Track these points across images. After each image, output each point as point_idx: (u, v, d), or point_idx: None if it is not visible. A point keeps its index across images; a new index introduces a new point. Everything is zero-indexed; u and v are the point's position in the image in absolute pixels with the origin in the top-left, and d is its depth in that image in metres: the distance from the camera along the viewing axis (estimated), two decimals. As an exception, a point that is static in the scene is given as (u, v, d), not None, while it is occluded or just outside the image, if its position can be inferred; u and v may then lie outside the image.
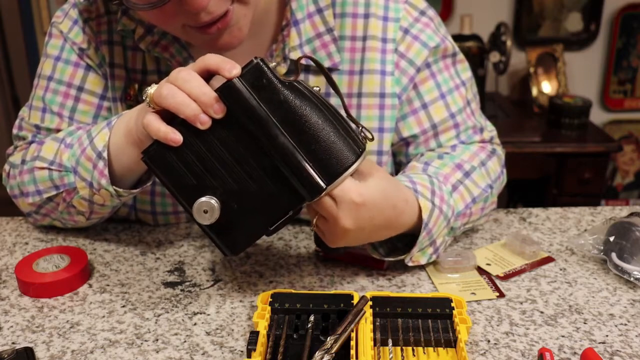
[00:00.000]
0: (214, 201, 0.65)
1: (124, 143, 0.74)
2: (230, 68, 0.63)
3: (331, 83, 0.71)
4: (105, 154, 0.74)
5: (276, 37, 0.85)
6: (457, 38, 1.98)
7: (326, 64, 0.85)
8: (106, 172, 0.75)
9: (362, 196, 0.67)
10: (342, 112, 0.68)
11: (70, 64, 0.88)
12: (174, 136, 0.64)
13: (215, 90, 0.63)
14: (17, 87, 3.61)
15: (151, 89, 0.66)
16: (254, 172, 0.65)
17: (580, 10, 2.27)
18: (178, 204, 0.68)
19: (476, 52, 2.04)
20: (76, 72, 0.88)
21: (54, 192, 0.82)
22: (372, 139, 0.69)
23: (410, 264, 0.79)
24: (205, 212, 0.64)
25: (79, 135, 0.81)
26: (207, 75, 0.66)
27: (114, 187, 0.76)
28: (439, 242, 0.79)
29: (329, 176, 0.64)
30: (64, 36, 0.88)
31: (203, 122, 0.63)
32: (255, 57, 0.64)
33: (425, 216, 0.75)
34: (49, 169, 0.82)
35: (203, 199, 0.65)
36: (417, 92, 0.88)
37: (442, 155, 0.88)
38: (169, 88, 0.64)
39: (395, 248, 0.80)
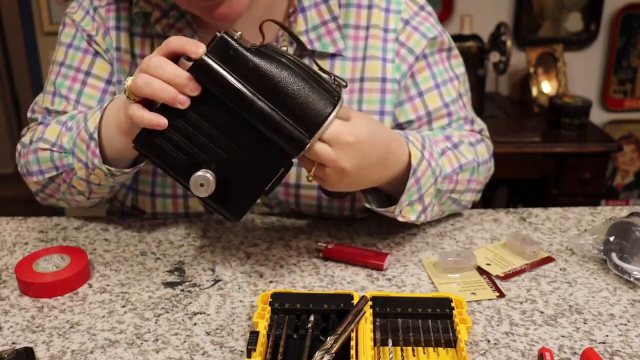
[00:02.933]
0: (208, 174, 0.68)
1: (115, 133, 0.77)
2: (195, 49, 0.66)
3: (295, 39, 0.77)
4: (95, 135, 0.78)
5: (284, 22, 0.89)
6: (457, 38, 1.98)
7: (331, 49, 0.89)
8: (97, 151, 0.79)
9: (353, 135, 0.70)
10: (315, 68, 0.71)
11: (80, 50, 0.93)
12: (159, 121, 0.67)
13: (188, 70, 0.66)
14: (17, 87, 3.61)
15: (128, 82, 0.70)
16: (240, 140, 0.68)
17: (580, 10, 2.27)
18: (177, 184, 0.72)
19: (476, 52, 2.04)
20: (85, 58, 0.93)
21: (54, 173, 0.87)
22: (346, 86, 0.72)
23: (400, 218, 0.81)
24: (202, 185, 0.68)
25: (77, 119, 0.85)
26: (175, 58, 0.69)
27: (107, 166, 0.80)
28: (427, 200, 0.83)
29: (309, 129, 0.67)
30: (76, 25, 0.94)
31: (182, 102, 0.67)
32: (219, 31, 0.66)
33: (414, 162, 0.78)
34: (51, 150, 0.86)
35: (198, 173, 0.68)
36: (414, 81, 0.92)
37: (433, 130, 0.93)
38: (143, 78, 0.67)
39: (385, 204, 0.84)
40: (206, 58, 0.65)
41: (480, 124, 0.99)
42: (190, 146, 0.68)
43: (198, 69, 0.66)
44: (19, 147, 0.95)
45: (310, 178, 0.72)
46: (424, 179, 0.81)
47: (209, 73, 0.65)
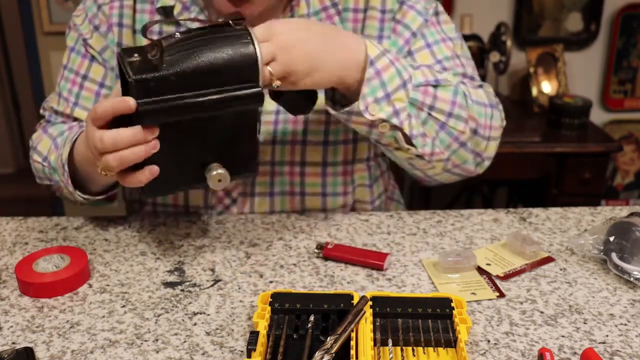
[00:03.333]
0: (218, 170, 0.73)
1: (87, 165, 0.83)
2: (126, 105, 0.68)
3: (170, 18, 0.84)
4: (66, 167, 0.86)
5: (286, 7, 0.94)
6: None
7: None
8: (69, 181, 0.87)
9: (284, 21, 0.76)
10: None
11: (79, 54, 0.98)
12: (153, 170, 0.72)
13: (136, 124, 0.69)
14: (17, 87, 3.61)
15: (99, 165, 0.73)
16: (217, 128, 0.73)
17: (581, 10, 2.27)
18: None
19: (476, 52, 2.04)
20: (83, 62, 0.98)
21: (48, 183, 0.96)
22: (244, 19, 0.74)
23: (368, 115, 0.81)
24: (220, 180, 0.73)
25: (63, 138, 0.92)
26: (113, 119, 0.72)
27: (79, 193, 0.88)
28: (398, 105, 0.82)
29: (253, 77, 0.71)
30: (77, 29, 0.98)
31: (154, 148, 0.70)
32: (129, 77, 0.68)
33: (371, 53, 0.80)
34: (42, 164, 0.94)
35: (212, 173, 0.73)
36: (411, 55, 0.95)
37: None
38: (112, 158, 0.70)
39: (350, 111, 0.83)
40: (140, 106, 0.68)
41: (482, 82, 0.98)
42: (183, 163, 0.73)
43: (143, 118, 0.69)
44: (30, 142, 1.01)
45: (276, 85, 0.75)
46: (387, 75, 0.81)
47: (152, 114, 0.69)
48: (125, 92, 0.71)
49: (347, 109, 0.81)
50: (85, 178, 0.88)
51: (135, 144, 0.69)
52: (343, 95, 0.84)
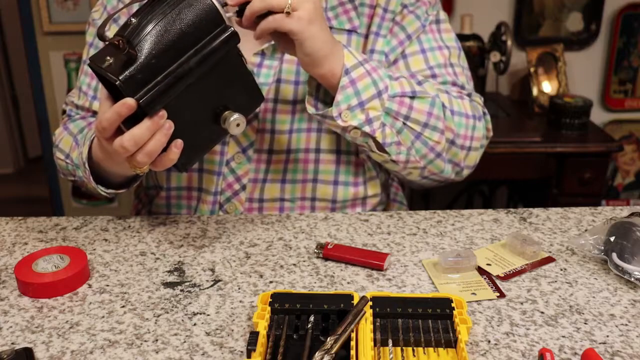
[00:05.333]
0: (234, 116, 0.76)
1: (106, 160, 0.84)
2: (127, 107, 0.70)
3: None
4: (87, 164, 0.87)
5: None
6: (458, 38, 1.98)
7: (347, 26, 0.96)
8: (91, 178, 0.87)
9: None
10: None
11: (97, 49, 1.00)
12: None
13: (144, 117, 0.71)
14: (16, 87, 3.61)
15: (130, 166, 0.76)
16: (212, 81, 0.75)
17: (581, 10, 2.27)
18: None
19: (476, 51, 2.04)
20: None
21: (72, 178, 0.98)
22: None
23: (340, 122, 0.85)
24: (238, 125, 0.77)
25: (83, 135, 0.92)
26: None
27: (102, 188, 0.89)
28: (372, 114, 0.86)
29: (219, 23, 0.73)
30: (95, 24, 1.01)
31: (171, 127, 0.72)
32: (115, 81, 0.69)
33: (347, 62, 0.84)
34: (65, 161, 0.97)
35: (230, 119, 0.76)
36: (405, 59, 0.98)
37: None
38: (140, 157, 0.72)
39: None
40: (140, 101, 0.70)
41: (472, 92, 1.00)
42: (198, 124, 0.76)
43: (146, 109, 0.70)
44: (53, 138, 1.05)
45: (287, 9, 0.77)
46: (361, 84, 0.84)
47: (152, 102, 0.71)
48: (116, 94, 0.72)
49: (320, 112, 0.86)
50: (106, 173, 0.89)
51: (152, 133, 0.71)
52: (326, 92, 0.88)
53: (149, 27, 0.70)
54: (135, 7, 0.75)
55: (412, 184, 1.04)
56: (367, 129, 0.87)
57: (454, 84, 0.97)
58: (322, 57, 0.82)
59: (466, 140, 0.95)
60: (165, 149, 0.73)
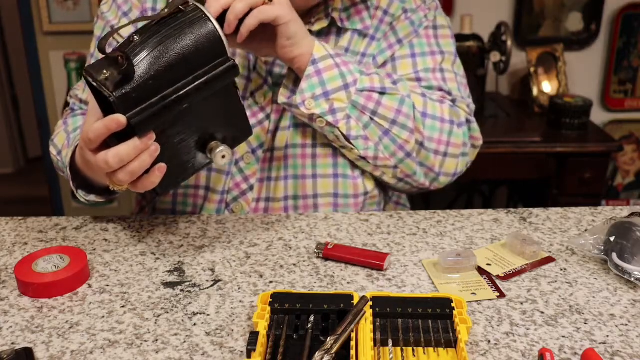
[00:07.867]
0: (220, 148, 0.75)
1: (94, 177, 0.84)
2: (117, 123, 0.69)
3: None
4: (68, 170, 0.88)
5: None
6: (458, 38, 1.96)
7: (359, 26, 0.97)
8: (72, 183, 0.88)
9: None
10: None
11: None
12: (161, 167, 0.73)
13: (133, 137, 0.70)
14: (16, 87, 3.61)
15: (110, 183, 0.75)
16: (205, 109, 0.74)
17: (581, 10, 2.27)
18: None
19: (476, 51, 2.04)
20: (108, 49, 1.00)
21: (62, 174, 0.97)
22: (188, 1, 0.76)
23: (304, 109, 0.88)
24: (224, 157, 0.76)
25: (75, 136, 0.92)
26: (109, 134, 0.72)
27: (82, 194, 0.89)
28: (337, 105, 0.88)
29: (220, 53, 0.73)
30: (103, 17, 1.00)
31: (157, 150, 0.72)
32: (109, 95, 0.68)
33: (316, 53, 0.86)
34: (57, 158, 0.98)
35: (215, 151, 0.75)
36: (393, 62, 0.98)
37: None
38: (122, 175, 0.72)
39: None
40: (131, 120, 0.69)
41: (461, 99, 0.99)
42: (184, 151, 0.75)
43: (136, 129, 0.69)
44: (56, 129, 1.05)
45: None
46: (327, 75, 0.87)
47: (143, 122, 0.70)
48: (107, 108, 0.71)
49: (287, 100, 0.90)
50: (89, 179, 0.89)
51: (139, 154, 0.71)
52: (297, 79, 0.90)
53: (151, 48, 0.70)
54: (141, 23, 0.74)
55: (396, 189, 1.04)
56: (330, 118, 0.89)
57: (440, 89, 0.97)
58: (302, 38, 0.85)
59: (440, 145, 0.94)
60: (147, 171, 0.73)
